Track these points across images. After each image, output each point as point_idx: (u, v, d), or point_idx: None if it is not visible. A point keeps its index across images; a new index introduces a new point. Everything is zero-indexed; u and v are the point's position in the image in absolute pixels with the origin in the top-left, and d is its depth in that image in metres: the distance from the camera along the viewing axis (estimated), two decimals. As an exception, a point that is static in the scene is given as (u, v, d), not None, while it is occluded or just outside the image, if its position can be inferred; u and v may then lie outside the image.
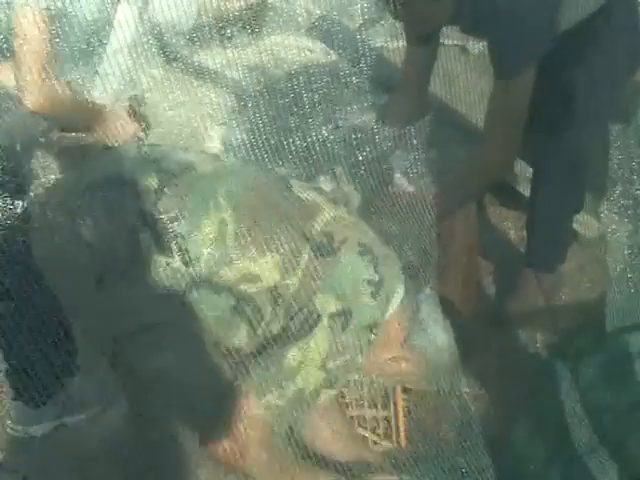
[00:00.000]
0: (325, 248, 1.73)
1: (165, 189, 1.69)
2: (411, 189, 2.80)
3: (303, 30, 2.28)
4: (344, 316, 1.71)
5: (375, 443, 2.11)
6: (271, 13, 2.81)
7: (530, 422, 2.08)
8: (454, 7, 2.18)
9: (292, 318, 1.71)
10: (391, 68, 2.82)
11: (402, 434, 2.09)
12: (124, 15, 2.16)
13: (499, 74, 2.21)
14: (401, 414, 2.07)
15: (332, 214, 1.80)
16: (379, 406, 2.08)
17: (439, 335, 1.92)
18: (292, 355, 1.69)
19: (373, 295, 1.75)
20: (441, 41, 2.76)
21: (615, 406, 1.91)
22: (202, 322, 1.72)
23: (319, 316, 1.70)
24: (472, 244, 2.62)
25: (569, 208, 2.56)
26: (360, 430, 2.11)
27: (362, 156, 2.29)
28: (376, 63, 2.40)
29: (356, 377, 2.00)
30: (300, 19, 2.87)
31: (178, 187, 1.70)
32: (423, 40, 2.57)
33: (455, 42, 3.21)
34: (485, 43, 2.28)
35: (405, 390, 2.06)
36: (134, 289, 1.71)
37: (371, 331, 1.75)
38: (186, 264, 1.67)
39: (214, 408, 1.75)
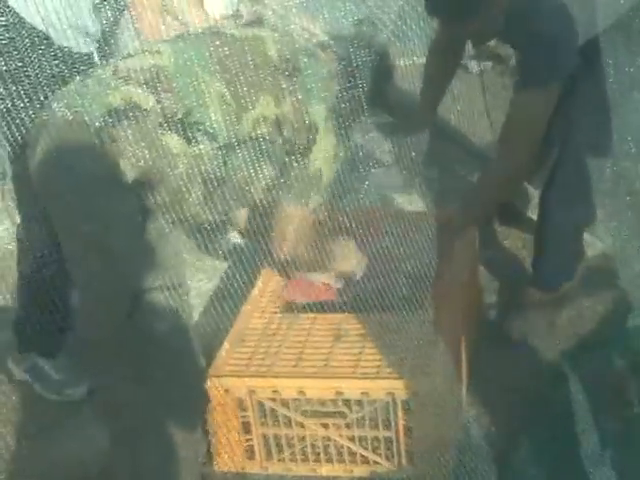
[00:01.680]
0: (290, 69, 2.04)
1: (162, 98, 1.89)
2: (410, 208, 2.81)
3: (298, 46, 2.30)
4: (333, 113, 2.07)
5: (376, 463, 2.09)
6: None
7: (531, 443, 2.07)
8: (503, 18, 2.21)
9: (297, 136, 2.06)
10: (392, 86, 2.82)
11: (403, 454, 2.06)
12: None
13: (528, 82, 2.24)
14: (402, 434, 2.05)
15: (274, 35, 2.09)
16: (380, 426, 2.06)
17: None
18: (312, 163, 2.10)
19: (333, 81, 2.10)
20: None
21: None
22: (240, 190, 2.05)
23: (317, 126, 2.07)
24: (473, 262, 2.61)
25: (580, 221, 2.52)
26: (361, 450, 2.09)
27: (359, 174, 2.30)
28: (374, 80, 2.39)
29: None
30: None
31: (169, 91, 1.90)
32: (455, 52, 2.59)
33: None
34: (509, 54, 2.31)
35: (406, 410, 2.04)
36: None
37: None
38: (213, 140, 1.94)
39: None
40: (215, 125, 1.94)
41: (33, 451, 2.28)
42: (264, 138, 2.03)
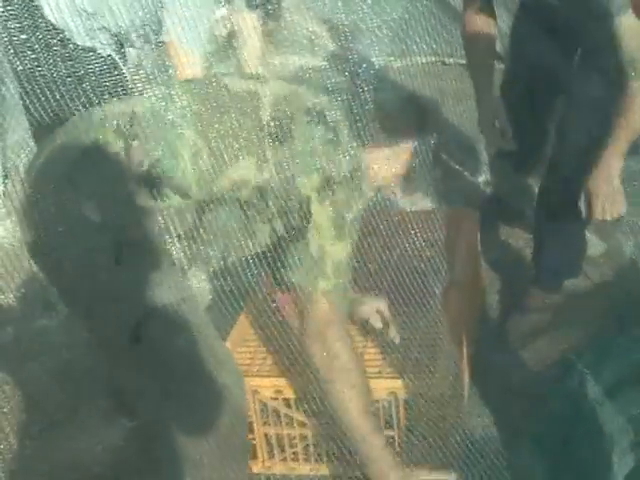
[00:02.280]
0: (280, 133, 1.83)
1: (132, 146, 1.76)
2: (414, 208, 2.80)
3: (305, 51, 2.29)
4: (328, 182, 1.83)
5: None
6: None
7: (533, 443, 2.06)
8: None
9: (286, 213, 1.85)
10: (394, 87, 2.82)
11: (405, 452, 2.06)
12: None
13: None
14: (404, 433, 2.05)
15: (272, 93, 1.89)
16: (382, 425, 2.06)
17: None
18: (312, 243, 1.83)
19: (336, 147, 1.85)
20: (445, 60, 2.77)
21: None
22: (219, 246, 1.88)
23: (308, 197, 1.82)
24: (475, 261, 2.61)
25: (580, 218, 2.51)
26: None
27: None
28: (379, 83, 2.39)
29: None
30: (305, 40, 2.88)
31: (140, 138, 1.77)
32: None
33: (460, 61, 3.23)
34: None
35: (407, 409, 2.04)
36: (153, 260, 1.79)
37: (359, 171, 1.86)
38: (184, 197, 1.78)
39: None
40: (185, 180, 1.77)
41: (35, 451, 2.29)
42: (246, 202, 1.84)
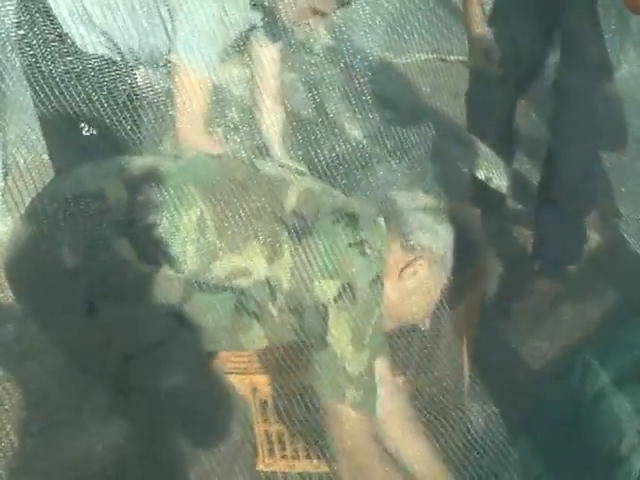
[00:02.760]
0: (301, 229, 1.70)
1: (135, 197, 1.67)
2: (412, 206, 2.80)
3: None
4: (349, 290, 1.68)
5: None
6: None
7: (534, 438, 2.06)
8: None
9: (300, 315, 1.70)
10: (396, 83, 2.83)
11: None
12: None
13: None
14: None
15: (302, 185, 1.78)
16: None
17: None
18: (331, 350, 1.67)
19: (362, 254, 1.71)
20: (445, 57, 2.77)
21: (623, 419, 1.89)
22: (207, 331, 1.72)
23: (325, 306, 1.67)
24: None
25: (580, 205, 2.51)
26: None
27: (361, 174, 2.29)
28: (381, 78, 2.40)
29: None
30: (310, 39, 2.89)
31: (147, 192, 1.67)
32: None
33: (459, 58, 3.22)
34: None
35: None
36: (128, 310, 1.68)
37: (379, 281, 1.72)
38: (175, 268, 1.65)
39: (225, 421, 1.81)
40: (181, 250, 1.65)
41: (35, 450, 2.29)
42: (243, 291, 1.71)
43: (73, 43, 2.04)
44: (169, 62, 2.07)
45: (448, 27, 2.82)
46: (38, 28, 1.87)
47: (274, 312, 1.72)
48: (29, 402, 2.49)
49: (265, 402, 2.10)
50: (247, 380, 2.07)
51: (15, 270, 1.73)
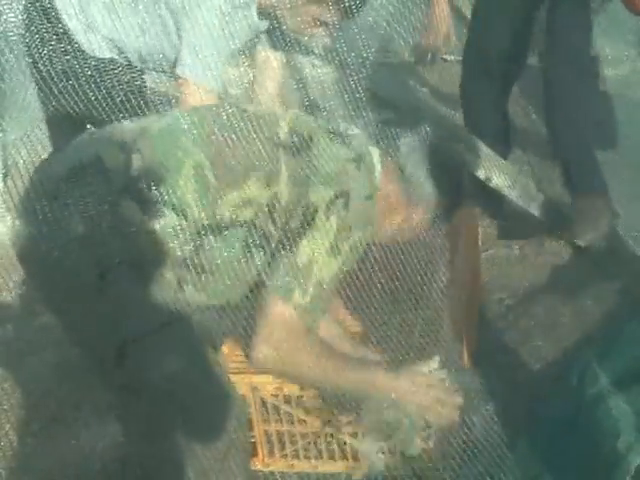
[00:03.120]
0: (298, 145, 1.79)
1: (131, 158, 1.72)
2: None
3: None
4: (343, 197, 1.78)
5: (379, 460, 2.09)
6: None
7: (533, 438, 2.07)
8: None
9: (289, 220, 1.78)
10: (393, 83, 2.83)
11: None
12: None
13: None
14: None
15: (293, 113, 1.88)
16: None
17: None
18: (302, 252, 1.76)
19: (358, 168, 1.83)
20: (445, 57, 2.77)
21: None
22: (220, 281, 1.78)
23: (315, 209, 1.76)
24: (475, 258, 2.61)
25: (587, 135, 2.56)
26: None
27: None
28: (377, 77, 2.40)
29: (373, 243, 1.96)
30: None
31: (142, 151, 1.73)
32: None
33: (458, 58, 3.22)
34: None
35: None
36: (141, 276, 1.72)
37: (373, 201, 1.84)
38: (182, 217, 1.71)
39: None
40: (183, 199, 1.71)
41: (36, 448, 2.29)
42: (249, 224, 1.77)
43: (80, 46, 2.06)
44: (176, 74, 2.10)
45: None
46: (45, 29, 1.88)
47: (275, 233, 1.80)
48: (29, 401, 2.49)
49: (265, 401, 2.10)
50: (247, 379, 2.07)
51: (24, 250, 1.76)
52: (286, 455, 2.15)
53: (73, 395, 2.48)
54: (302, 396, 2.07)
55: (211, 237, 1.74)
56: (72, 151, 1.82)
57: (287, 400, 2.08)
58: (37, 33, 1.85)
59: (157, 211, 1.70)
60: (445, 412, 1.92)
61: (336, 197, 1.78)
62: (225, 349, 2.16)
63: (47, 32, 1.85)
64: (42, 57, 1.85)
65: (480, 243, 2.68)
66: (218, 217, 1.74)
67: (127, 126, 1.81)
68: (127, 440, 2.01)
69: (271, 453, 2.16)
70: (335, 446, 2.11)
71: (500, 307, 2.68)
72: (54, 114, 1.92)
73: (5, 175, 2.15)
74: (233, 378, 2.07)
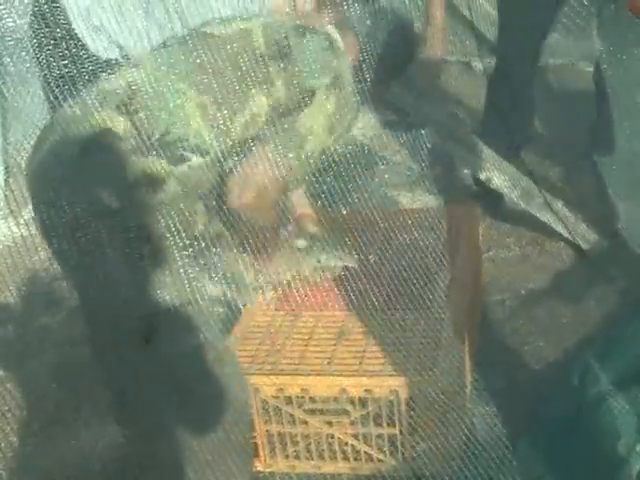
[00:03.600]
0: (279, 50, 1.89)
1: (134, 118, 1.76)
2: (414, 205, 2.81)
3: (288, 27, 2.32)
4: (338, 80, 1.92)
5: (380, 461, 2.09)
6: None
7: (534, 439, 2.06)
8: None
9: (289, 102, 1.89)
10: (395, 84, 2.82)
11: (407, 451, 2.07)
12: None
13: None
14: (406, 431, 2.05)
15: (259, 23, 1.94)
16: (384, 423, 2.06)
17: None
18: (302, 122, 1.89)
19: (338, 57, 1.96)
20: (444, 57, 2.77)
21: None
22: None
23: (314, 92, 1.89)
24: (476, 258, 2.61)
25: None
26: (365, 448, 2.09)
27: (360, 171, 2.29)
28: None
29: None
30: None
31: (141, 107, 1.78)
32: None
33: (460, 59, 3.23)
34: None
35: (410, 407, 2.04)
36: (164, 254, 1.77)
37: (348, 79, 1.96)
38: (206, 154, 1.81)
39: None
40: (200, 138, 1.81)
41: (36, 449, 2.29)
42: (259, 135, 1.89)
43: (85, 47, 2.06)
44: None
45: (449, 27, 2.82)
46: (50, 30, 1.88)
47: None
48: (29, 401, 2.49)
49: (266, 403, 2.10)
50: (248, 381, 2.07)
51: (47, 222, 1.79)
52: (288, 456, 2.15)
53: (73, 396, 2.48)
54: (303, 397, 2.07)
55: (229, 161, 1.85)
56: (75, 122, 1.81)
57: (288, 401, 2.08)
58: (41, 34, 1.84)
59: (179, 156, 1.78)
60: None
61: (332, 81, 1.91)
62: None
63: (51, 33, 1.84)
64: (45, 58, 1.85)
65: (481, 244, 2.68)
66: (232, 142, 1.85)
67: (110, 87, 1.82)
68: (127, 440, 2.01)
69: (272, 454, 2.16)
70: (337, 447, 2.11)
71: (501, 308, 2.68)
72: None
73: (6, 177, 2.15)
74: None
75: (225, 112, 1.82)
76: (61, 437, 2.36)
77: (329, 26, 2.01)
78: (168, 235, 1.76)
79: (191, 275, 1.80)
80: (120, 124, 1.75)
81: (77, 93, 1.75)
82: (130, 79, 1.80)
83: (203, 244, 1.83)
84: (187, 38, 1.93)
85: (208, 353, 1.84)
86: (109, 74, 1.85)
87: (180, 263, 1.79)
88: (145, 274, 1.77)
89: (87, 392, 2.41)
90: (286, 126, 1.88)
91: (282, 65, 1.87)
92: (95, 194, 1.73)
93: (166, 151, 1.76)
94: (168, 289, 1.78)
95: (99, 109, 1.76)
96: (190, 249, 1.81)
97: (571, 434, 1.97)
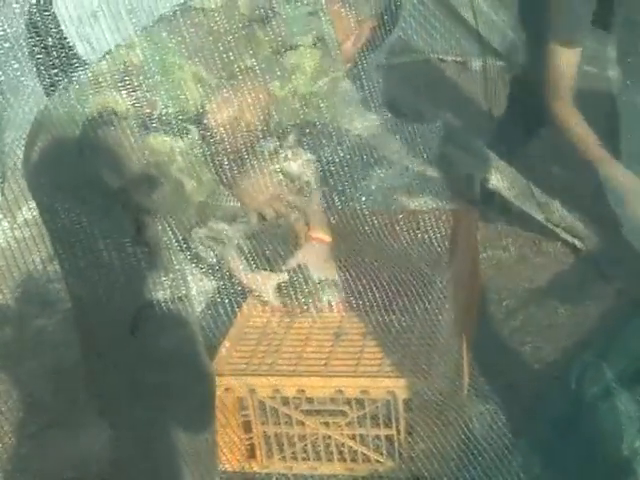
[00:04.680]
0: (264, 15, 1.90)
1: (133, 98, 1.77)
2: (412, 206, 2.80)
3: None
4: (322, 39, 1.93)
5: (378, 462, 2.09)
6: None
7: (534, 438, 2.06)
8: None
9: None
10: (393, 84, 2.83)
11: (404, 452, 2.06)
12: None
13: None
14: (403, 432, 2.05)
15: None
16: (381, 424, 2.06)
17: None
18: (287, 59, 1.90)
19: (319, 17, 1.95)
20: (442, 57, 2.78)
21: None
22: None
23: (297, 46, 1.90)
24: (474, 259, 2.61)
25: None
26: (362, 449, 2.09)
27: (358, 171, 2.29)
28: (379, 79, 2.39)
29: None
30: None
31: (137, 81, 1.78)
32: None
33: (456, 58, 3.23)
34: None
35: (408, 408, 2.04)
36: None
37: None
38: (204, 125, 1.83)
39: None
40: (200, 109, 1.83)
41: (33, 450, 2.29)
42: None
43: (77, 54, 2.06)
44: None
45: (447, 27, 2.82)
46: (45, 34, 1.88)
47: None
48: (27, 403, 2.49)
49: (263, 403, 2.10)
50: (245, 381, 2.07)
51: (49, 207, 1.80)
52: (284, 457, 2.15)
53: (71, 398, 2.47)
54: (300, 398, 2.07)
55: (230, 133, 1.87)
56: (74, 105, 1.82)
57: (285, 402, 2.08)
58: (32, 42, 1.84)
59: (183, 128, 1.79)
60: None
61: (315, 41, 1.92)
62: (223, 351, 2.17)
63: (43, 41, 1.85)
64: (37, 66, 1.85)
65: (479, 244, 2.68)
66: (233, 112, 1.86)
67: (111, 64, 1.83)
68: (123, 442, 2.01)
69: (269, 455, 2.16)
70: (333, 448, 2.11)
71: (499, 308, 2.67)
72: None
73: (2, 180, 2.14)
74: (231, 380, 2.08)
75: (219, 80, 1.84)
76: (58, 439, 2.36)
77: None
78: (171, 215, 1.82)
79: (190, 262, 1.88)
80: (119, 104, 1.76)
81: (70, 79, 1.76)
82: (125, 59, 1.81)
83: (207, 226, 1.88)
84: (177, 14, 1.93)
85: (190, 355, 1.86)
86: (102, 57, 1.86)
87: (184, 245, 1.85)
88: (147, 258, 1.79)
89: (84, 394, 2.42)
90: (271, 61, 1.90)
91: (268, 28, 1.89)
92: (100, 175, 1.75)
93: (171, 125, 1.78)
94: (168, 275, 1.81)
95: (97, 90, 1.77)
96: (196, 227, 1.85)
97: (570, 434, 1.97)
